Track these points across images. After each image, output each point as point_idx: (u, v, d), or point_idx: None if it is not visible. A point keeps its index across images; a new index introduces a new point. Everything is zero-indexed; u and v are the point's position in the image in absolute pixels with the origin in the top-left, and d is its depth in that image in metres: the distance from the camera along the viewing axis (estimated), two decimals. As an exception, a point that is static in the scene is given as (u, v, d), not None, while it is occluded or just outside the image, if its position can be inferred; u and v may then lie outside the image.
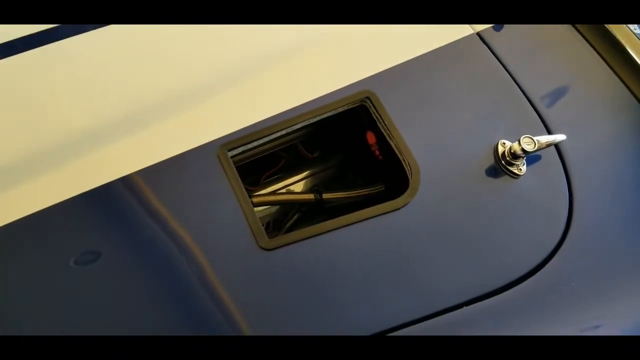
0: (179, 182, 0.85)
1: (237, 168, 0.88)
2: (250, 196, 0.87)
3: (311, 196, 1.04)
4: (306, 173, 1.16)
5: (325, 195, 1.05)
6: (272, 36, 1.04)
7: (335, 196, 1.05)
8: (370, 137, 1.09)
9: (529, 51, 1.07)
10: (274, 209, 1.11)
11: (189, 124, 0.91)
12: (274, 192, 1.10)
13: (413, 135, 0.93)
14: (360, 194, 1.06)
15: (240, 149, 0.91)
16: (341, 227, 0.84)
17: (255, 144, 0.91)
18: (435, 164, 0.91)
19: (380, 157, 1.09)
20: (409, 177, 0.90)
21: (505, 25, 1.09)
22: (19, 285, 0.76)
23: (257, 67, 0.98)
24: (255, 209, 0.87)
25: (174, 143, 0.88)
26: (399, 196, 0.88)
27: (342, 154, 1.18)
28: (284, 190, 1.12)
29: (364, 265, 0.82)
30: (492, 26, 1.09)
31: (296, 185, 1.15)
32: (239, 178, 0.86)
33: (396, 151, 0.92)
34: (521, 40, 1.09)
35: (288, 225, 1.06)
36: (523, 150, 0.86)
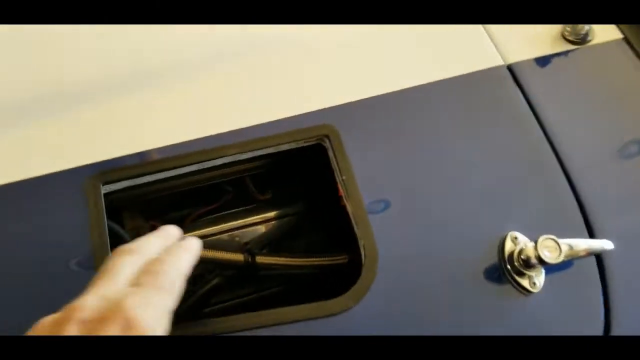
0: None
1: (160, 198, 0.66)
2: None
3: (240, 257, 0.75)
4: (253, 219, 0.87)
5: (260, 259, 0.75)
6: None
7: (274, 262, 0.76)
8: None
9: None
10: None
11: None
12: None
13: (378, 200, 0.62)
14: (310, 262, 0.76)
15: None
16: (253, 328, 0.55)
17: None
18: (405, 252, 0.60)
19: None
20: (363, 262, 0.60)
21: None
22: None
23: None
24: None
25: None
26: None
27: (303, 200, 0.88)
28: (214, 238, 0.83)
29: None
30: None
31: (237, 231, 0.86)
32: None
33: (352, 219, 0.62)
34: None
35: (200, 292, 0.76)
36: (539, 259, 0.53)
